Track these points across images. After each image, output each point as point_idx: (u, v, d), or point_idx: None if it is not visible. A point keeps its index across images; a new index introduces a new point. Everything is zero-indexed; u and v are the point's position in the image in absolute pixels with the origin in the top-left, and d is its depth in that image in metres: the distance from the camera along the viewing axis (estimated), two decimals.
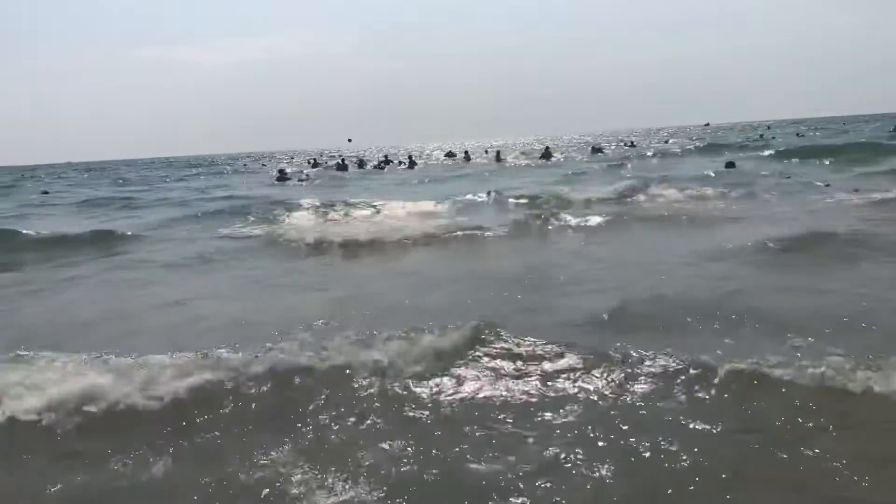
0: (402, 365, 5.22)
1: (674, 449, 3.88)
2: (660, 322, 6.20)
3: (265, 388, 5.04)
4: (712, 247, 9.49)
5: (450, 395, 4.80)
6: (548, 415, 4.41)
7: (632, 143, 60.34)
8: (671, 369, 4.91)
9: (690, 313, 6.32)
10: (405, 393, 4.86)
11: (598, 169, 29.75)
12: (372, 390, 4.92)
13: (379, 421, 4.47)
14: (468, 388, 4.91)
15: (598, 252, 10.16)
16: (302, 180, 34.11)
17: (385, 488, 3.68)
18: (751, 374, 4.70)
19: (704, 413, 4.27)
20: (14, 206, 28.13)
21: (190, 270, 10.65)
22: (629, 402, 4.54)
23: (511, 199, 17.12)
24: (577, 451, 3.93)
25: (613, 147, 56.56)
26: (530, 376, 5.02)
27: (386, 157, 51.27)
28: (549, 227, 12.89)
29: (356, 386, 4.99)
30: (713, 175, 21.22)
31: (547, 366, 5.17)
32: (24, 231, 15.23)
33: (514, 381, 4.98)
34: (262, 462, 4.03)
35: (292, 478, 3.82)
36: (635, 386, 4.76)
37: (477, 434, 4.22)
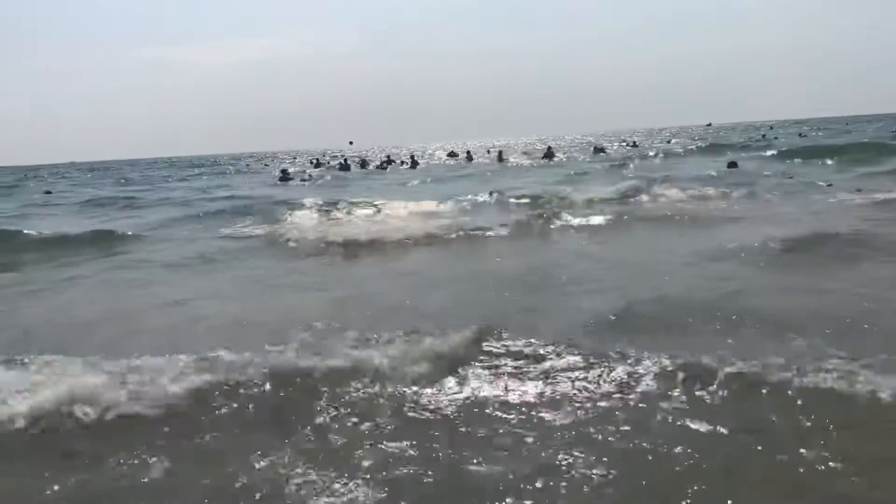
0: (402, 367, 5.16)
1: (677, 451, 3.85)
2: (662, 323, 6.18)
3: (263, 391, 4.99)
4: (715, 247, 9.47)
5: (450, 398, 4.76)
6: (549, 416, 4.38)
7: (634, 143, 60.40)
8: (674, 371, 4.85)
9: (693, 314, 6.31)
10: (405, 396, 4.81)
11: (601, 169, 29.74)
12: (372, 393, 4.87)
13: (378, 424, 4.43)
14: (469, 389, 4.87)
15: (601, 252, 10.15)
16: (304, 180, 34.14)
17: (385, 490, 3.66)
18: (753, 377, 4.66)
19: (706, 415, 4.24)
20: (17, 205, 28.18)
21: (191, 270, 10.65)
22: (631, 404, 4.50)
23: (513, 199, 17.10)
24: (578, 452, 3.91)
25: (615, 147, 56.56)
26: (532, 378, 4.98)
27: (388, 157, 51.29)
28: (552, 228, 12.88)
29: (356, 389, 4.93)
30: (716, 175, 21.22)
31: (549, 368, 5.12)
32: (26, 231, 15.24)
33: (516, 382, 4.93)
34: (260, 465, 3.99)
35: (291, 481, 3.80)
36: (638, 388, 4.71)
37: (478, 436, 4.18)
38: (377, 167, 44.52)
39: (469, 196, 17.99)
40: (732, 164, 24.99)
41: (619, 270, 8.70)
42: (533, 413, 4.44)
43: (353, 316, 6.90)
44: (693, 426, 4.14)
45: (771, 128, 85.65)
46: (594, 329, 6.07)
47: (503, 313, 6.66)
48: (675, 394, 4.57)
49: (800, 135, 57.38)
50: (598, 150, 50.79)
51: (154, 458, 4.13)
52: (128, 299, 8.70)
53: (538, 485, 3.62)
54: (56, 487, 3.90)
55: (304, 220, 15.59)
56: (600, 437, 4.09)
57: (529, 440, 4.10)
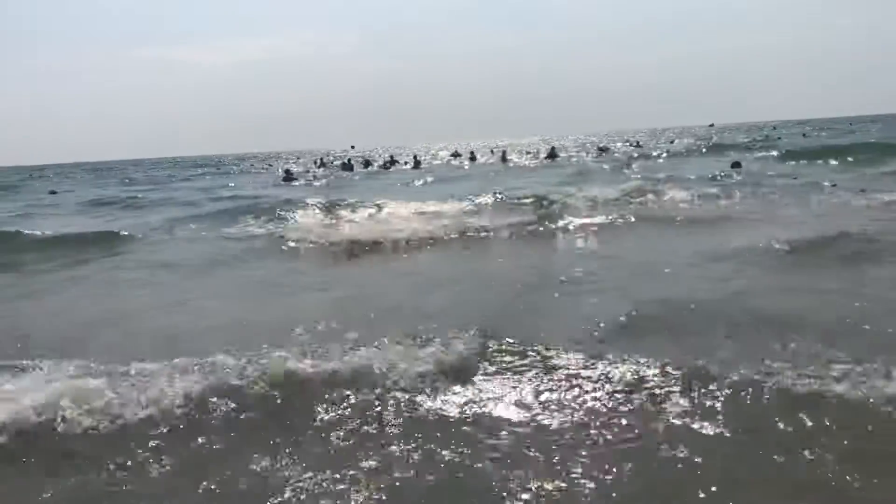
0: (404, 372, 5.08)
1: (682, 458, 3.81)
2: (667, 325, 6.09)
3: (262, 395, 4.91)
4: (720, 249, 9.40)
5: (453, 402, 4.68)
6: (551, 421, 4.32)
7: (637, 143, 60.40)
8: (679, 376, 4.78)
9: (698, 316, 6.24)
10: (407, 401, 4.73)
11: (604, 169, 29.67)
12: (372, 398, 4.78)
13: (379, 429, 4.37)
14: (471, 394, 4.80)
15: (605, 253, 10.08)
16: (308, 181, 34.16)
17: (387, 497, 3.63)
18: (758, 381, 4.60)
19: (714, 421, 4.17)
20: (21, 205, 28.23)
21: (192, 271, 10.62)
22: (634, 409, 4.43)
23: (516, 200, 17.01)
24: (580, 457, 3.87)
25: (619, 147, 56.47)
26: (535, 383, 4.90)
27: (391, 157, 51.30)
28: (556, 228, 12.80)
29: (356, 393, 4.86)
30: (720, 175, 21.17)
31: (553, 373, 5.04)
32: (28, 231, 15.23)
33: (518, 386, 4.86)
34: (258, 471, 3.95)
35: (289, 485, 3.76)
36: (641, 392, 4.64)
37: (480, 441, 4.12)
38: (380, 167, 44.51)
39: (472, 196, 17.90)
40: (736, 165, 24.95)
41: (623, 272, 8.64)
42: (535, 418, 4.38)
43: (355, 318, 6.82)
44: (703, 433, 4.08)
45: (774, 128, 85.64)
46: (598, 332, 6.00)
47: (506, 316, 6.62)
48: (680, 399, 4.50)
49: (803, 135, 57.31)
50: (602, 150, 50.80)
51: (151, 464, 4.09)
52: (128, 300, 8.67)
53: (540, 490, 3.58)
54: (51, 492, 3.87)
55: (307, 221, 15.57)
56: (602, 442, 4.04)
57: (530, 445, 4.04)
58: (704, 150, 43.81)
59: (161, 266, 11.11)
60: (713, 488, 3.51)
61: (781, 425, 4.08)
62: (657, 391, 4.63)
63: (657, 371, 4.88)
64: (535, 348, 5.48)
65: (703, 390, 4.56)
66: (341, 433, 4.35)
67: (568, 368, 5.09)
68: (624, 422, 4.26)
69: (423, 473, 3.82)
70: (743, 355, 5.02)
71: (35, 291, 9.72)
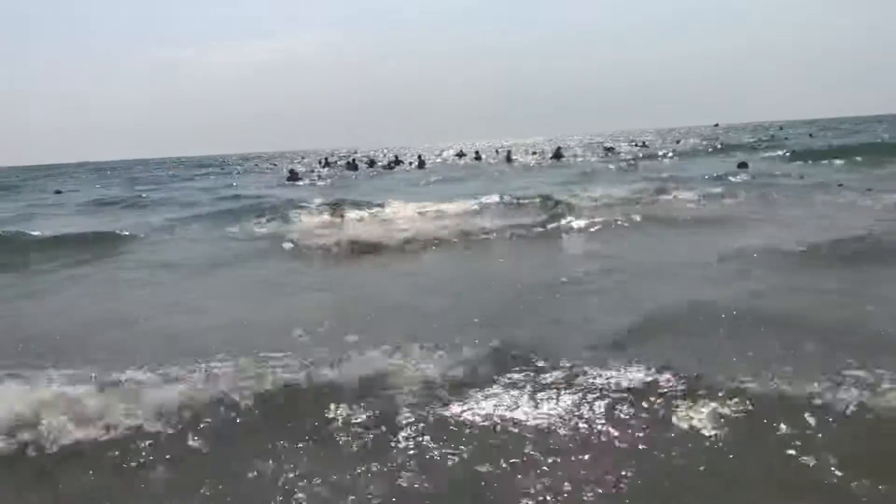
0: (406, 380, 4.91)
1: (690, 467, 3.73)
2: (674, 331, 5.92)
3: (256, 406, 4.72)
4: (728, 251, 9.18)
5: (456, 412, 4.50)
6: (555, 430, 4.19)
7: (643, 143, 60.33)
8: (686, 383, 4.63)
9: (707, 321, 6.08)
10: (408, 410, 4.54)
11: (610, 169, 29.62)
12: (374, 405, 4.61)
13: (380, 437, 4.23)
14: (475, 401, 4.63)
15: (611, 255, 9.93)
16: (312, 181, 34.15)
17: None
18: (768, 390, 4.46)
19: (729, 435, 4.05)
20: (25, 205, 28.27)
21: (193, 272, 10.52)
22: (640, 416, 4.30)
23: (522, 200, 16.89)
24: (585, 466, 3.78)
25: (625, 147, 56.41)
26: (539, 391, 4.71)
27: (396, 156, 51.32)
28: (562, 229, 12.66)
29: (357, 404, 4.64)
30: (726, 176, 21.07)
31: (557, 380, 4.85)
32: (29, 231, 15.19)
33: (523, 394, 4.68)
34: (256, 480, 3.85)
35: (288, 497, 3.68)
36: (648, 400, 4.48)
37: (482, 450, 3.99)
38: (385, 167, 44.49)
39: (477, 197, 17.82)
40: (743, 165, 24.85)
41: (630, 274, 8.50)
42: (541, 426, 4.22)
43: (357, 321, 6.72)
44: (706, 439, 3.98)
45: (781, 128, 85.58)
46: (604, 336, 5.85)
47: (513, 319, 6.50)
48: (687, 406, 4.37)
49: (809, 135, 57.24)
50: (608, 150, 50.75)
51: (138, 478, 3.95)
52: (127, 301, 8.58)
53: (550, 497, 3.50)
54: None
55: (311, 221, 15.51)
56: (609, 449, 3.94)
57: (538, 454, 3.93)
58: (711, 150, 43.77)
59: (162, 266, 11.02)
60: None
61: (794, 434, 3.97)
62: (665, 397, 4.50)
63: (666, 380, 4.72)
64: (543, 354, 5.32)
65: (711, 397, 4.44)
66: (340, 445, 4.21)
67: (576, 374, 4.91)
68: (630, 429, 4.15)
69: (426, 484, 3.73)
70: (755, 365, 4.89)
71: (34, 292, 9.64)
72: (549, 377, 4.91)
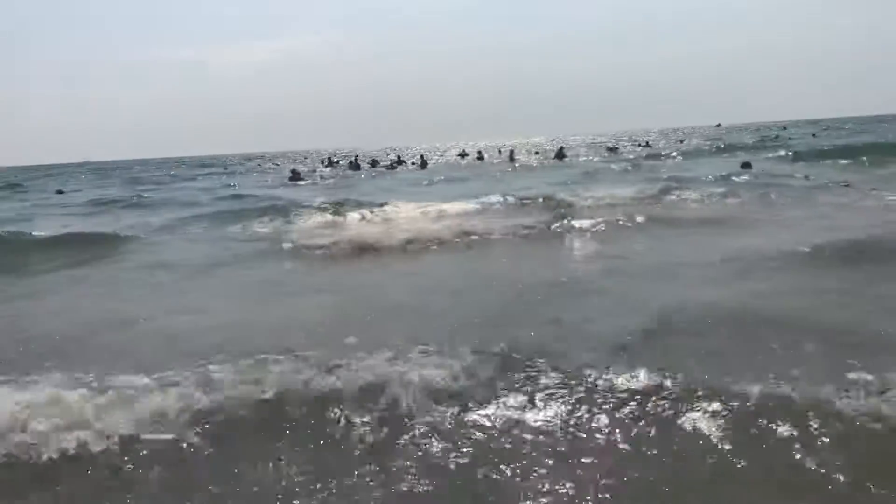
0: (407, 387, 4.72)
1: (696, 476, 3.64)
2: (686, 337, 5.74)
3: (253, 413, 4.58)
4: (735, 252, 9.06)
5: (456, 417, 4.40)
6: (558, 439, 4.11)
7: (647, 143, 60.24)
8: (694, 392, 4.48)
9: (715, 325, 5.95)
10: (410, 419, 4.41)
11: (613, 169, 29.49)
12: (374, 413, 4.46)
13: (380, 448, 4.11)
14: (477, 410, 4.48)
15: (615, 256, 9.84)
16: (315, 181, 34.11)
17: None
18: (776, 398, 4.33)
19: (734, 440, 3.94)
20: (27, 205, 28.26)
21: (192, 273, 10.40)
22: (649, 423, 4.20)
23: (525, 201, 16.80)
24: (589, 476, 3.69)
25: (628, 147, 56.34)
26: (543, 400, 4.57)
27: (399, 156, 51.31)
28: (564, 230, 12.53)
29: (357, 409, 4.52)
30: (730, 176, 20.90)
31: (565, 388, 4.71)
32: (30, 231, 15.12)
33: (531, 403, 4.54)
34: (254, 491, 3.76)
35: None
36: (654, 408, 4.35)
37: (486, 459, 3.90)
38: (387, 167, 44.43)
39: (479, 197, 17.74)
40: (746, 165, 24.71)
41: (633, 276, 8.40)
42: (540, 431, 4.15)
43: (357, 322, 6.64)
44: (709, 444, 3.89)
45: (784, 128, 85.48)
46: (607, 340, 5.72)
47: (512, 321, 6.39)
48: (691, 410, 4.28)
49: (813, 135, 57.14)
50: (611, 149, 50.73)
51: (138, 482, 3.88)
52: (125, 303, 8.46)
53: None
54: None
55: (312, 221, 15.45)
56: (611, 455, 3.85)
57: (535, 458, 3.85)
58: (714, 150, 43.67)
59: (162, 267, 10.93)
60: None
61: (799, 438, 3.87)
62: (668, 401, 4.38)
63: (672, 386, 4.58)
64: (545, 356, 5.22)
65: (715, 400, 4.32)
66: (339, 451, 4.11)
67: (579, 378, 4.78)
68: (632, 433, 4.06)
69: (429, 489, 3.64)
70: (762, 365, 4.81)
71: (34, 292, 9.56)
72: (550, 381, 4.81)
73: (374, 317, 7.00)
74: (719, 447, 3.89)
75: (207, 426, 4.40)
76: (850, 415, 4.05)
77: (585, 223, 12.74)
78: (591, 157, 44.02)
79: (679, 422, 4.17)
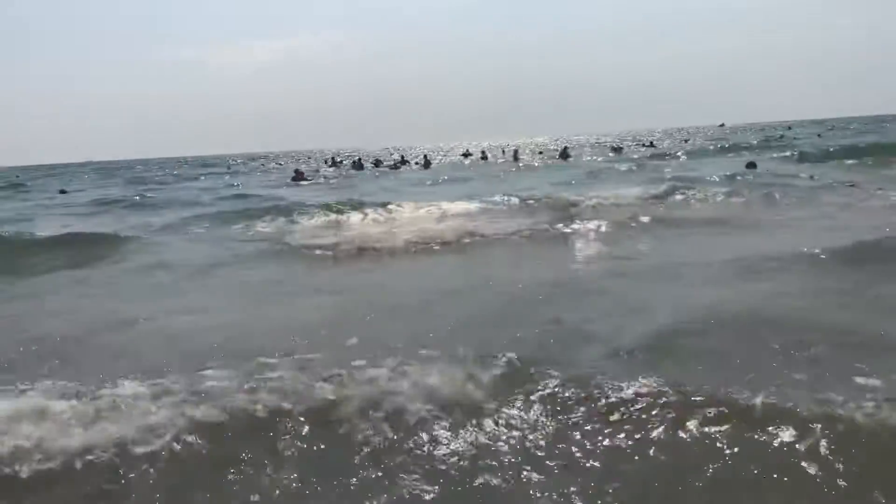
0: (408, 396, 4.58)
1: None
2: (692, 340, 5.60)
3: (249, 423, 4.40)
4: (743, 255, 8.85)
5: (463, 433, 4.20)
6: (562, 448, 4.00)
7: (651, 143, 60.19)
8: (708, 399, 4.31)
9: (723, 331, 5.79)
10: (411, 432, 4.24)
11: (618, 170, 29.35)
12: (373, 425, 4.29)
13: (380, 461, 3.97)
14: (478, 414, 4.37)
15: (620, 257, 9.76)
16: (318, 181, 34.08)
17: None
18: (785, 409, 4.18)
19: (739, 448, 3.84)
20: (30, 205, 28.24)
21: (193, 274, 10.31)
22: (653, 430, 4.08)
23: (529, 201, 16.72)
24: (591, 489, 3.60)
25: (632, 147, 56.27)
26: (550, 404, 4.47)
27: (402, 156, 51.32)
28: (569, 231, 12.40)
29: (355, 421, 4.35)
30: (735, 176, 20.77)
31: (567, 394, 4.57)
32: (31, 231, 15.05)
33: (532, 409, 4.43)
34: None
35: None
36: (661, 415, 4.21)
37: (488, 469, 3.80)
38: (390, 167, 44.40)
39: (483, 197, 17.66)
40: (751, 165, 24.58)
41: (639, 278, 8.26)
42: (556, 450, 4.03)
43: (358, 324, 6.56)
44: (714, 452, 3.79)
45: (789, 128, 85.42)
46: (611, 344, 5.59)
47: (515, 325, 6.27)
48: (697, 417, 4.16)
49: (818, 135, 57.00)
50: (615, 149, 50.70)
51: (125, 497, 3.76)
52: (127, 304, 8.38)
53: None
54: None
55: (315, 222, 15.39)
56: (615, 465, 3.76)
57: (539, 468, 3.76)
58: (719, 150, 43.58)
59: (163, 267, 10.85)
60: None
61: (805, 444, 3.77)
62: (674, 408, 4.25)
63: (677, 399, 4.45)
64: (547, 362, 5.10)
65: (722, 408, 4.20)
66: (337, 462, 3.98)
67: (582, 385, 4.63)
68: (636, 440, 3.96)
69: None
70: (770, 383, 4.67)
71: (33, 293, 9.51)
72: (552, 387, 4.68)
73: (376, 318, 6.92)
74: (724, 454, 3.79)
75: (197, 441, 4.22)
76: (858, 423, 3.94)
77: (590, 224, 12.65)
78: (595, 158, 43.95)
79: (682, 428, 4.05)
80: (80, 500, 3.80)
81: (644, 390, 4.50)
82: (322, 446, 4.16)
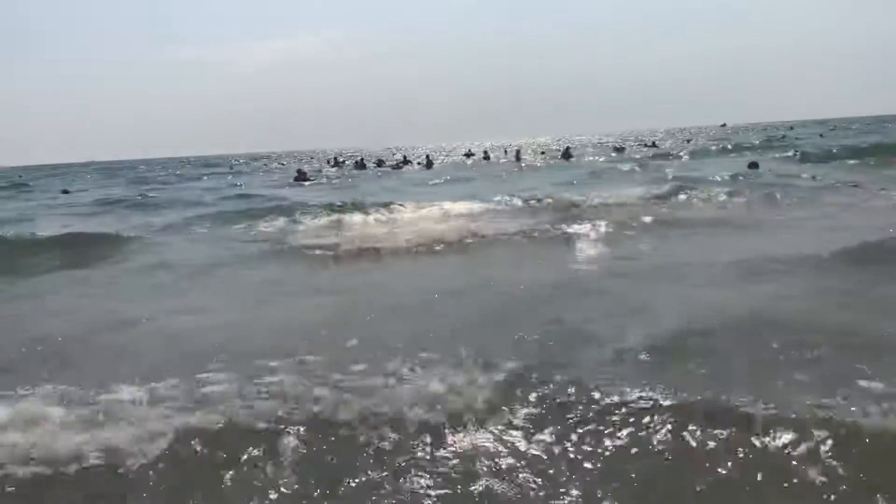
0: (410, 402, 4.50)
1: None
2: (697, 343, 5.50)
3: (245, 433, 4.26)
4: (745, 256, 8.80)
5: (463, 439, 4.15)
6: (565, 458, 3.96)
7: (653, 143, 60.11)
8: (714, 407, 4.25)
9: (727, 338, 5.67)
10: (413, 436, 4.18)
11: (620, 170, 29.29)
12: (371, 437, 4.19)
13: (378, 475, 3.86)
14: (479, 423, 4.28)
15: (624, 259, 9.71)
16: (321, 181, 34.07)
17: None
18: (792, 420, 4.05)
19: (743, 457, 3.79)
20: (33, 205, 28.22)
21: (193, 275, 10.28)
22: (657, 438, 4.04)
23: (531, 202, 16.69)
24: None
25: (634, 147, 56.20)
26: (552, 412, 4.39)
27: (405, 157, 51.29)
28: (571, 232, 12.31)
29: (353, 430, 4.26)
30: (737, 176, 20.76)
31: (570, 401, 4.49)
32: (32, 232, 14.98)
33: (534, 417, 4.36)
34: None
35: None
36: (665, 423, 4.14)
37: (494, 483, 3.73)
38: (393, 167, 44.37)
39: (485, 197, 17.63)
40: (753, 165, 24.53)
41: (641, 281, 8.17)
42: (543, 453, 3.97)
43: (360, 327, 6.49)
44: (719, 459, 3.76)
45: (791, 128, 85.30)
46: (614, 348, 5.51)
47: (517, 328, 6.22)
48: (700, 425, 4.10)
49: (820, 135, 56.90)
50: (618, 149, 50.65)
51: None
52: (127, 305, 8.35)
53: None
54: None
55: (317, 222, 15.34)
56: (620, 475, 3.73)
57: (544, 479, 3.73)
58: (721, 150, 43.52)
59: (164, 268, 10.84)
60: None
61: (812, 453, 3.75)
62: (678, 415, 4.20)
63: (676, 405, 4.37)
64: (549, 366, 5.06)
65: (726, 417, 4.14)
66: (336, 477, 3.86)
67: (583, 392, 4.57)
68: (640, 449, 3.93)
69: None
70: (779, 379, 4.66)
71: (33, 293, 9.51)
72: (554, 392, 4.63)
73: (377, 319, 6.89)
74: (726, 459, 3.76)
75: (194, 448, 4.14)
76: (861, 426, 3.89)
77: (592, 224, 12.60)
78: (597, 158, 43.89)
79: (683, 433, 4.01)
80: None
81: (646, 394, 4.48)
82: (320, 453, 4.10)
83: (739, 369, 4.95)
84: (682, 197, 16.22)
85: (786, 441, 3.84)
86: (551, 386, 4.74)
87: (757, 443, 3.87)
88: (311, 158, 74.44)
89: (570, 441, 4.08)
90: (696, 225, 12.47)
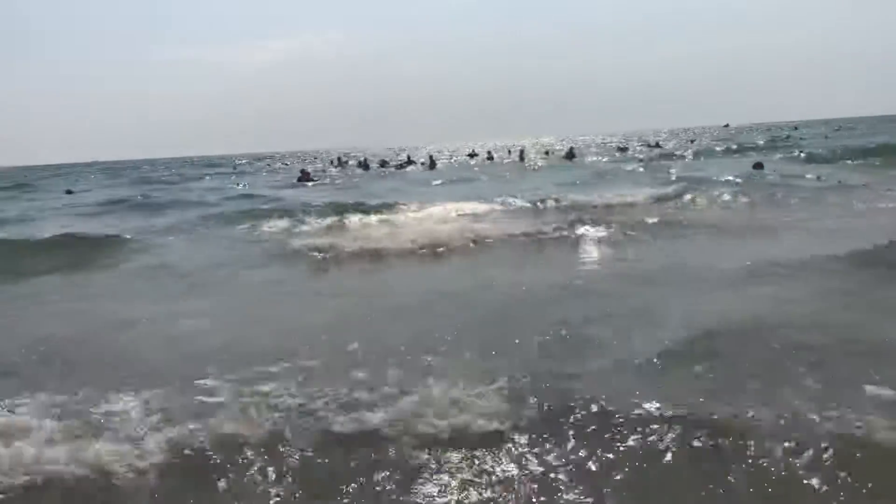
0: (410, 412, 4.41)
1: None
2: (706, 357, 5.28)
3: (240, 444, 4.17)
4: (750, 259, 8.73)
5: (464, 448, 4.05)
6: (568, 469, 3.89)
7: (657, 143, 59.98)
8: (719, 416, 4.19)
9: (733, 346, 5.52)
10: (413, 446, 4.08)
11: (624, 170, 29.24)
12: (368, 452, 4.08)
13: (378, 490, 3.77)
14: (483, 435, 4.17)
15: (627, 261, 9.67)
16: (324, 181, 34.03)
17: None
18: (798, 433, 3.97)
19: (747, 467, 3.73)
20: (36, 205, 28.16)
21: (194, 276, 10.26)
22: (661, 450, 3.96)
23: (535, 203, 16.63)
24: None
25: (638, 148, 56.11)
26: (548, 440, 4.17)
27: (408, 157, 51.23)
28: (575, 234, 12.23)
29: (351, 446, 4.14)
30: (743, 178, 20.66)
31: (585, 422, 4.33)
32: (34, 233, 14.98)
33: (551, 450, 4.09)
34: None
35: None
36: (669, 434, 4.06)
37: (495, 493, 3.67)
38: (396, 167, 44.33)
39: (488, 198, 17.57)
40: (758, 166, 24.44)
41: (645, 284, 8.08)
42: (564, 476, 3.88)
43: (361, 330, 6.44)
44: (723, 467, 3.70)
45: (796, 128, 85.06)
46: (613, 355, 5.46)
47: (518, 331, 6.16)
48: (703, 436, 4.02)
49: (825, 136, 56.77)
50: (621, 150, 50.59)
51: None
52: (127, 306, 8.33)
53: None
54: None
55: (319, 223, 15.27)
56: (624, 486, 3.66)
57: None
58: (725, 150, 43.43)
59: (165, 269, 10.82)
60: None
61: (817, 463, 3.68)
62: (682, 426, 4.12)
63: (683, 403, 4.34)
64: (554, 372, 5.03)
65: (729, 426, 4.08)
66: (333, 489, 3.76)
67: (598, 405, 4.46)
68: (643, 461, 3.86)
69: None
70: (786, 387, 4.58)
71: (34, 293, 9.50)
72: (555, 399, 4.58)
73: (378, 321, 6.86)
74: (729, 467, 3.71)
75: (187, 460, 4.05)
76: (868, 434, 3.85)
77: (596, 225, 12.53)
78: (601, 158, 43.83)
79: (688, 441, 3.96)
80: None
81: (650, 401, 4.41)
82: (319, 465, 4.02)
83: (745, 375, 4.89)
84: (686, 198, 16.16)
85: (793, 448, 3.78)
86: (555, 393, 4.68)
87: (763, 450, 3.80)
88: (315, 158, 74.39)
89: (574, 449, 4.01)
90: (701, 226, 12.39)
